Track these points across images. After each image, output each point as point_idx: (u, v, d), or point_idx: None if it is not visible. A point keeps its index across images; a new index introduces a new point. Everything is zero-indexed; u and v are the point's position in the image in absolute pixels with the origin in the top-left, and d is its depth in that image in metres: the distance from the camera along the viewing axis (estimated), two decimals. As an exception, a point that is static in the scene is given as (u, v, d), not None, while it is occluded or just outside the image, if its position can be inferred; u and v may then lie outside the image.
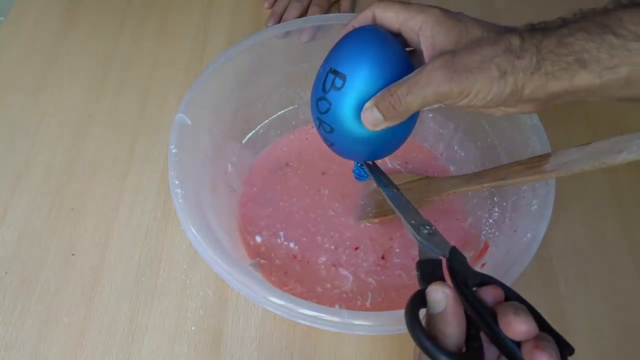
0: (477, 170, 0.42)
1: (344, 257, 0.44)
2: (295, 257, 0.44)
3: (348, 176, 0.40)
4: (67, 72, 0.56)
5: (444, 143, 0.50)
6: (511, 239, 0.38)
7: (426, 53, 0.31)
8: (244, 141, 0.49)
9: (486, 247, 0.41)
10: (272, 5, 0.61)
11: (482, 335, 0.25)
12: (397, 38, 0.33)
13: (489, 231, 0.43)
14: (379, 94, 0.31)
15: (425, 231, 0.31)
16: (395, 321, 0.31)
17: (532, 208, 0.37)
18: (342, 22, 0.36)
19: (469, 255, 0.42)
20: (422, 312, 0.25)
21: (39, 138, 0.51)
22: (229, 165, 0.46)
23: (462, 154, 0.48)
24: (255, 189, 0.48)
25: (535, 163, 0.37)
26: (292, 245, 0.45)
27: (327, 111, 0.33)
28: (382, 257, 0.44)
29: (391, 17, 0.32)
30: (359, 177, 0.40)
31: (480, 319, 0.24)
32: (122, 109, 0.54)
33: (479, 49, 0.28)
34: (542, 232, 0.35)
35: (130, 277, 0.43)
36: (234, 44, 0.43)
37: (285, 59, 0.47)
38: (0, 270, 0.43)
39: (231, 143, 0.47)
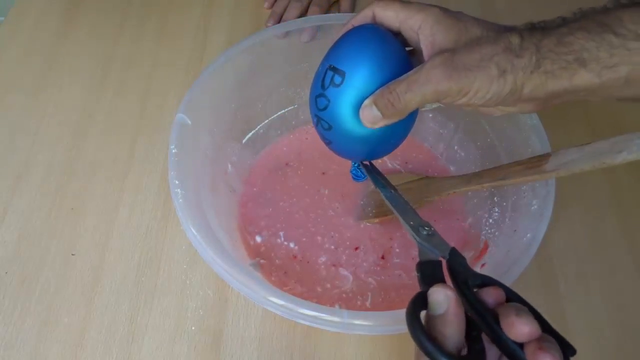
0: (477, 170, 0.42)
1: (344, 257, 0.44)
2: (295, 257, 0.44)
3: (348, 176, 0.40)
4: (67, 72, 0.56)
5: (444, 143, 0.50)
6: (511, 239, 0.38)
7: (426, 52, 0.31)
8: (244, 141, 0.49)
9: (486, 247, 0.41)
10: (272, 5, 0.61)
11: (483, 336, 0.25)
12: (397, 37, 0.33)
13: (489, 231, 0.43)
14: (378, 91, 0.31)
15: (425, 232, 0.31)
16: (395, 321, 0.31)
17: (532, 208, 0.37)
18: (342, 22, 0.36)
19: (469, 255, 0.42)
20: (422, 314, 0.25)
21: (39, 138, 0.51)
22: (229, 165, 0.46)
23: (462, 154, 0.48)
24: (255, 189, 0.48)
25: (535, 163, 0.37)
26: (292, 245, 0.45)
27: (325, 108, 0.33)
28: (382, 257, 0.44)
29: (391, 16, 0.32)
30: (356, 177, 0.39)
31: (482, 320, 0.24)
32: (122, 109, 0.54)
33: (479, 48, 0.28)
34: (542, 232, 0.35)
35: (130, 277, 0.43)
36: (234, 44, 0.43)
37: (285, 59, 0.47)
38: (0, 270, 0.43)
39: (231, 143, 0.47)
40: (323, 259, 0.44)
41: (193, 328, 0.41)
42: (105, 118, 0.53)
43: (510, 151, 0.42)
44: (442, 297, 0.25)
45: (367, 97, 0.31)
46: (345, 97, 0.32)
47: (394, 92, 0.30)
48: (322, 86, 0.32)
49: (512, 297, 0.26)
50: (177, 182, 0.37)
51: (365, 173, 0.38)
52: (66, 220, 0.46)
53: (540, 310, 0.25)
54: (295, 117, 0.51)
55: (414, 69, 0.30)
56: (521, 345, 0.23)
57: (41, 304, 0.42)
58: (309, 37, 0.47)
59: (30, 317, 0.41)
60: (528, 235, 0.35)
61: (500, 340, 0.23)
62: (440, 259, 0.29)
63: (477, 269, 0.38)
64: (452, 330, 0.24)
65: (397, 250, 0.44)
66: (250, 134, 0.49)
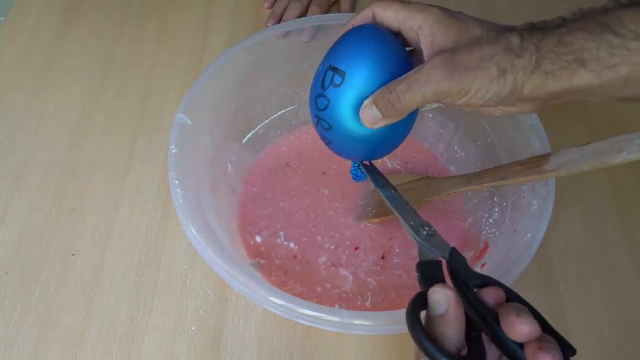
0: (477, 170, 0.42)
1: (344, 257, 0.44)
2: (295, 257, 0.44)
3: (348, 176, 0.40)
4: (67, 72, 0.56)
5: (444, 143, 0.50)
6: (511, 239, 0.38)
7: (426, 52, 0.31)
8: (244, 141, 0.49)
9: (486, 247, 0.41)
10: (272, 5, 0.61)
11: (483, 336, 0.25)
12: (397, 37, 0.33)
13: (489, 231, 0.43)
14: (377, 91, 0.31)
15: (425, 232, 0.31)
16: (395, 321, 0.31)
17: (532, 208, 0.37)
18: (341, 22, 0.36)
19: (468, 255, 0.42)
20: (422, 314, 0.25)
21: (39, 138, 0.51)
22: (229, 165, 0.46)
23: (462, 154, 0.48)
24: (255, 189, 0.48)
25: (535, 163, 0.37)
26: (292, 245, 0.45)
27: (325, 108, 0.33)
28: (382, 257, 0.44)
29: (391, 16, 0.32)
30: (356, 177, 0.39)
31: (482, 320, 0.24)
32: (122, 109, 0.54)
33: (479, 48, 0.28)
34: (542, 232, 0.35)
35: (130, 277, 0.43)
36: (234, 44, 0.43)
37: (285, 59, 0.47)
38: (0, 270, 0.43)
39: (231, 143, 0.47)
40: (323, 259, 0.44)
41: (193, 328, 0.41)
42: (105, 118, 0.53)
43: (510, 151, 0.42)
44: (442, 297, 0.25)
45: (367, 97, 0.31)
46: (345, 97, 0.32)
47: (394, 92, 0.30)
48: (322, 86, 0.32)
49: (512, 297, 0.26)
50: (177, 182, 0.37)
51: (365, 173, 0.38)
52: (66, 220, 0.46)
53: (540, 310, 0.25)
54: (295, 117, 0.51)
55: (414, 69, 0.30)
56: (521, 345, 0.23)
57: (41, 304, 0.42)
58: (309, 37, 0.47)
59: (30, 317, 0.41)
60: (528, 235, 0.35)
61: (500, 340, 0.23)
62: (440, 259, 0.29)
63: (477, 269, 0.38)
64: (452, 330, 0.24)
65: (397, 250, 0.44)
66: (250, 134, 0.49)
